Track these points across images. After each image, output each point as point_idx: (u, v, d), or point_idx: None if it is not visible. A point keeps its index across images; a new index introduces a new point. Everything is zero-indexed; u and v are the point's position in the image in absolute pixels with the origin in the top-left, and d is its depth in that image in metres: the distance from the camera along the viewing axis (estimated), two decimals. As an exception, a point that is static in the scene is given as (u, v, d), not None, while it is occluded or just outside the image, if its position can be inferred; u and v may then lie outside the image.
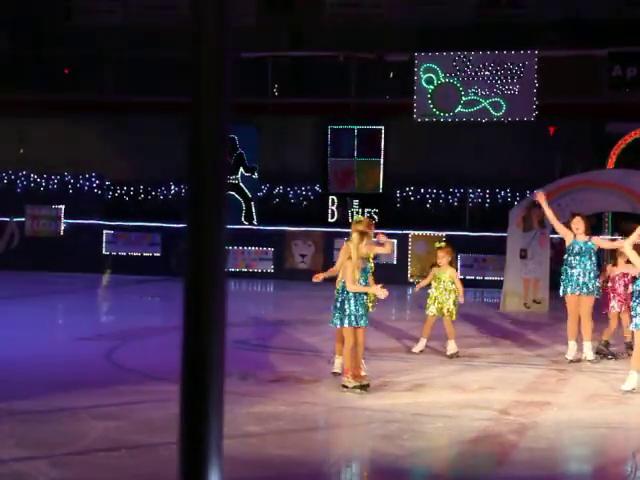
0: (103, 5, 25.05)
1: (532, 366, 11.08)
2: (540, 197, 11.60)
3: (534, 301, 16.36)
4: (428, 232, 20.60)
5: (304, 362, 10.90)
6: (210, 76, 2.43)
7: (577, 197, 16.30)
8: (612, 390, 9.50)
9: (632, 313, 9.45)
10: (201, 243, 2.45)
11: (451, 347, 11.37)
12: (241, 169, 22.72)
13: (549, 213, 11.56)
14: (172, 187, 23.55)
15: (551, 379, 10.33)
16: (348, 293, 9.22)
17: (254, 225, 22.54)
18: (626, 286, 11.25)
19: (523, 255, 16.29)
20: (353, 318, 9.21)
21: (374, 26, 23.28)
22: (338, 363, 9.95)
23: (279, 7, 24.54)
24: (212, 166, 2.45)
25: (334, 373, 9.92)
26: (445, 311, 11.41)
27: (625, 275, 11.26)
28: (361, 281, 9.25)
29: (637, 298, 9.36)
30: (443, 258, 11.51)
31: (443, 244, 11.86)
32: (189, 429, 2.46)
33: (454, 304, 11.44)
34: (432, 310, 11.46)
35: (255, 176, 22.85)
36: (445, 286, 11.43)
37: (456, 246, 20.73)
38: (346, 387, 9.18)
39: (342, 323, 9.31)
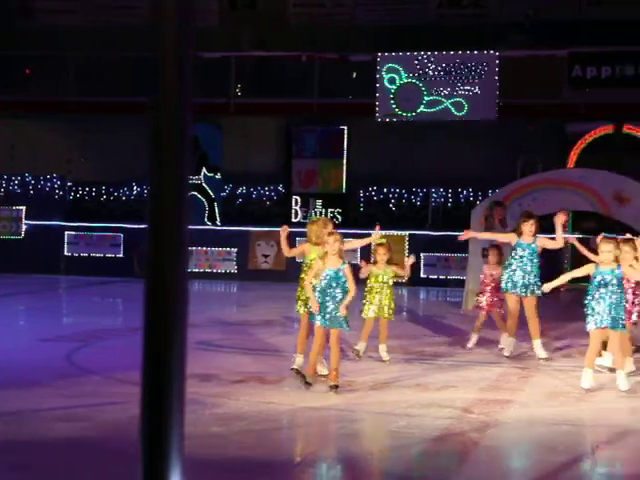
0: (64, 5, 24.85)
1: (494, 364, 11.16)
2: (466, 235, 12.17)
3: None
4: (391, 232, 20.66)
5: (268, 362, 10.90)
6: (171, 76, 2.43)
7: (539, 197, 16.42)
8: (572, 388, 9.60)
9: (586, 311, 9.52)
10: (162, 244, 2.45)
11: (384, 354, 11.01)
12: (204, 169, 22.67)
13: (485, 236, 11.96)
14: (135, 188, 23.44)
15: (513, 377, 10.42)
16: (318, 292, 9.22)
17: (217, 225, 22.51)
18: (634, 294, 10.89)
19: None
20: (326, 318, 9.18)
21: (337, 26, 23.32)
22: (299, 361, 9.98)
23: (242, 7, 24.51)
24: (173, 166, 2.45)
25: (292, 369, 9.94)
26: (385, 312, 11.00)
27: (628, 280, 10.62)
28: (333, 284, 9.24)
29: (591, 300, 9.45)
30: (384, 255, 11.06)
31: (384, 240, 11.59)
32: (150, 430, 2.46)
33: (392, 303, 11.07)
34: (372, 312, 11.00)
35: (218, 176, 22.81)
36: (384, 285, 11.03)
37: (419, 246, 21.01)
38: (336, 387, 9.19)
39: (315, 320, 9.29)
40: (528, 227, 11.37)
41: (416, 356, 11.63)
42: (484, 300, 12.14)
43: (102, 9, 24.49)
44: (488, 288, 12.16)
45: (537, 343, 11.36)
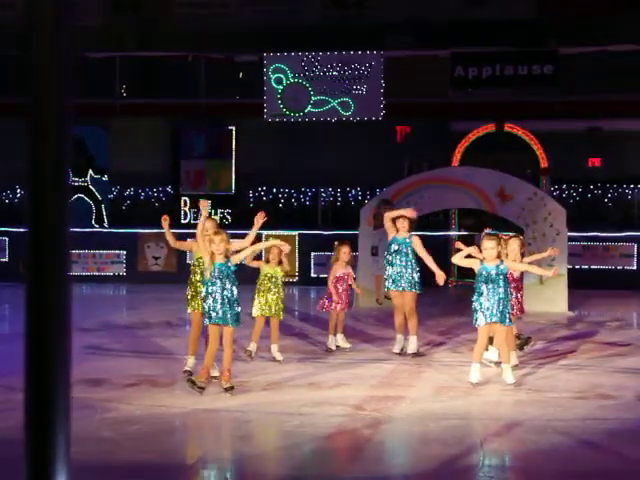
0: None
1: (385, 361, 11.30)
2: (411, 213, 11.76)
3: (386, 297, 16.63)
4: (282, 232, 20.71)
5: (159, 365, 10.81)
6: (49, 76, 2.39)
7: (425, 194, 16.71)
8: (460, 382, 9.79)
9: (474, 307, 9.72)
10: (42, 247, 2.42)
11: (277, 354, 11.06)
12: (91, 171, 22.32)
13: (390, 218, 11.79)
14: (18, 190, 22.92)
15: (403, 374, 10.57)
16: (207, 288, 9.16)
17: (105, 228, 22.19)
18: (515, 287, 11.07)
19: (374, 252, 16.57)
20: (214, 315, 9.12)
21: (223, 26, 23.25)
22: (191, 362, 9.94)
23: (127, 6, 24.22)
24: (52, 168, 2.42)
25: (185, 372, 9.89)
26: (274, 311, 11.02)
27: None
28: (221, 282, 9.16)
29: (480, 296, 9.66)
30: (276, 255, 11.12)
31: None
32: (34, 436, 2.43)
33: (282, 303, 11.14)
34: (261, 310, 11.05)
35: (105, 178, 22.50)
36: (274, 284, 11.09)
37: (309, 245, 21.10)
38: (231, 388, 9.18)
39: (207, 320, 9.19)
40: (401, 223, 11.60)
41: (308, 355, 11.70)
42: (332, 300, 12.11)
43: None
44: (340, 288, 12.16)
45: (412, 339, 11.60)
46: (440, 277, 11.34)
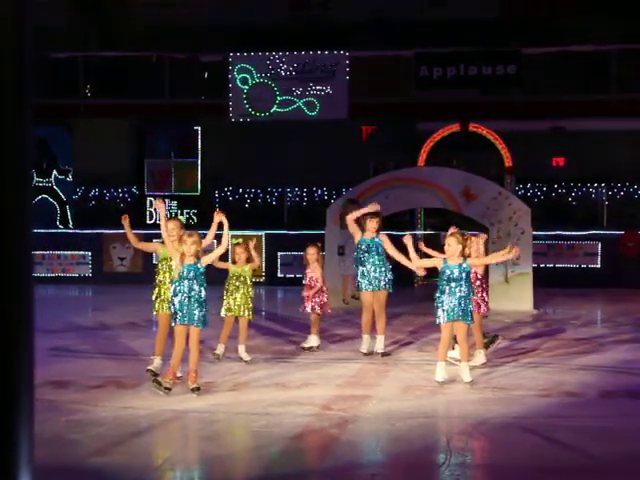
0: None
1: (352, 361, 11.31)
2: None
3: (353, 297, 16.65)
4: (248, 232, 20.68)
5: (125, 366, 10.76)
6: (7, 77, 2.37)
7: (391, 194, 16.75)
8: (426, 381, 9.83)
9: (436, 305, 9.76)
10: (6, 248, 2.40)
11: (244, 354, 11.03)
12: (54, 172, 22.17)
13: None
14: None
15: (370, 373, 10.59)
16: (175, 288, 9.12)
17: (70, 229, 22.05)
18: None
19: (341, 252, 16.56)
20: (181, 315, 9.09)
21: (187, 26, 23.18)
22: (157, 363, 9.88)
23: (89, 6, 24.07)
24: (12, 169, 2.40)
25: (148, 370, 9.83)
26: (242, 311, 11.02)
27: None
28: (195, 285, 9.13)
29: (442, 294, 9.70)
30: (242, 254, 11.12)
31: (240, 240, 11.61)
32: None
33: (251, 302, 11.12)
34: (228, 310, 11.02)
35: (69, 178, 22.35)
36: (242, 284, 11.05)
37: (276, 245, 21.09)
38: (198, 389, 9.16)
39: (174, 320, 9.16)
40: (373, 224, 11.60)
41: (275, 355, 11.69)
42: (311, 304, 12.08)
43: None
44: (313, 290, 12.11)
45: (380, 339, 11.62)
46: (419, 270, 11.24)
